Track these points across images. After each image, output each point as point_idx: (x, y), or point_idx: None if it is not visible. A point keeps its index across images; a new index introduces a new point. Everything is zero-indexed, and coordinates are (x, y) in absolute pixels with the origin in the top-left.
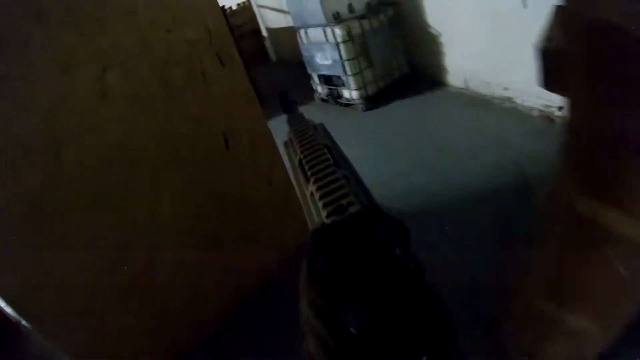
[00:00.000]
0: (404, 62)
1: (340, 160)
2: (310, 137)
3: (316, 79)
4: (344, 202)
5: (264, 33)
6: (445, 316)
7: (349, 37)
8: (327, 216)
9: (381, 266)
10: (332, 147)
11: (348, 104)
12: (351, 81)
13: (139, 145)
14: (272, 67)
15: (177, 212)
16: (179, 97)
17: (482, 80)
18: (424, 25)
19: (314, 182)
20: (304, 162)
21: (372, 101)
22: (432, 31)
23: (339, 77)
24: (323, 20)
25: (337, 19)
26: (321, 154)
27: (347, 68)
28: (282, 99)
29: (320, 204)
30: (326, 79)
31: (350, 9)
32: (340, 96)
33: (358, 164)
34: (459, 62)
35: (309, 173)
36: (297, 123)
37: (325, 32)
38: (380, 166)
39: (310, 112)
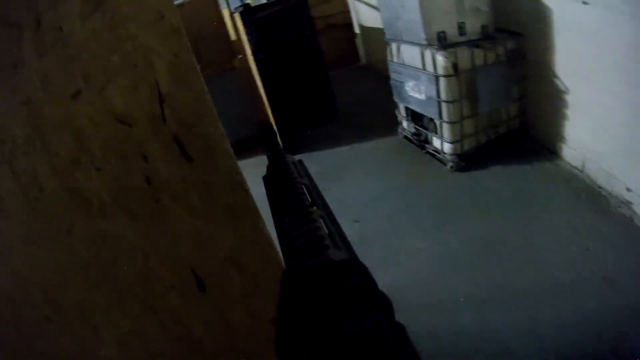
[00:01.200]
0: (515, 115)
1: (317, 200)
2: (289, 175)
3: (402, 111)
4: (318, 244)
5: (357, 30)
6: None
7: (454, 71)
8: (301, 257)
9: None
10: (310, 186)
11: (435, 155)
12: (446, 130)
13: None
14: (358, 72)
15: None
16: (103, 219)
17: (604, 168)
18: (549, 73)
19: (290, 221)
20: (281, 199)
21: (467, 160)
22: (558, 84)
23: (431, 120)
24: (422, 39)
25: (442, 41)
26: (299, 193)
27: (445, 112)
28: (263, 130)
29: (296, 242)
30: (415, 115)
31: (461, 30)
32: (428, 141)
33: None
34: (581, 134)
35: (287, 210)
36: (277, 159)
37: (423, 56)
38: (443, 276)
39: (386, 151)
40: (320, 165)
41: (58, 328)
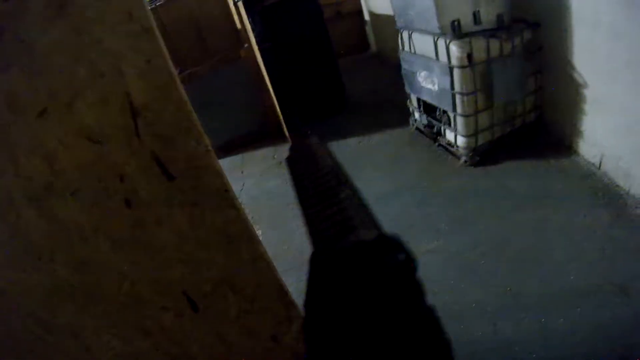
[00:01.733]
0: (531, 108)
1: (343, 180)
2: (314, 157)
3: (414, 102)
4: (348, 224)
5: (367, 17)
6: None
7: (469, 62)
8: (330, 239)
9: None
10: (335, 167)
11: (448, 148)
12: (460, 124)
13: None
14: (368, 61)
15: None
16: (83, 246)
17: (622, 167)
18: (567, 66)
19: (317, 202)
20: (307, 180)
21: (481, 154)
22: (577, 77)
23: (444, 112)
24: (436, 28)
25: (456, 30)
26: (323, 174)
27: (459, 104)
28: (285, 113)
29: (324, 224)
30: (427, 107)
31: (476, 19)
32: (440, 134)
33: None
34: (599, 131)
35: (312, 192)
36: (301, 141)
37: (436, 46)
38: (453, 280)
39: (397, 144)
40: (331, 157)
41: (51, 348)
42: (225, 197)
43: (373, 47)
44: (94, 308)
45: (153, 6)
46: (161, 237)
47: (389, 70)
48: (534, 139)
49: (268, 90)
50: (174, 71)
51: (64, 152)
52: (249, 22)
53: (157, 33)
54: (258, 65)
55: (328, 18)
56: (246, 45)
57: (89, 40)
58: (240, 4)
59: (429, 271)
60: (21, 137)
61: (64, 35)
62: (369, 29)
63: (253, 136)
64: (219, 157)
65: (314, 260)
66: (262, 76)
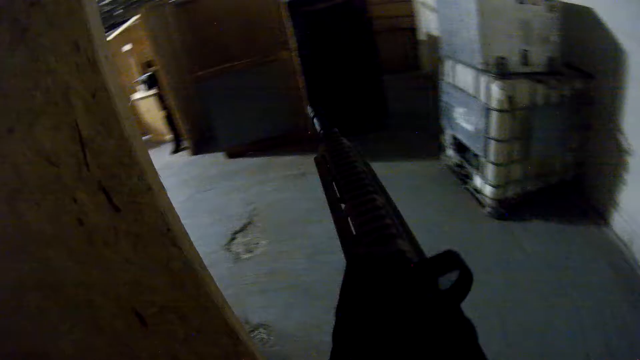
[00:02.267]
0: (570, 166)
1: (377, 186)
2: (347, 158)
3: (448, 137)
4: (385, 232)
5: (423, 37)
6: None
7: (510, 105)
8: (365, 246)
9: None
10: (369, 172)
11: (475, 194)
12: (490, 172)
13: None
14: (417, 81)
15: None
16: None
17: None
18: (614, 128)
19: (352, 207)
20: (338, 182)
21: (508, 207)
22: (622, 141)
23: (475, 155)
24: (479, 62)
25: (500, 68)
26: (359, 178)
27: (492, 151)
28: (315, 111)
29: (357, 230)
30: (460, 145)
31: (525, 58)
32: (469, 177)
33: None
34: (636, 206)
35: (345, 196)
36: (333, 140)
37: (477, 82)
38: None
39: (424, 177)
40: None
41: (20, 328)
42: (167, 235)
43: (424, 67)
44: (57, 298)
45: None
46: (109, 257)
47: (437, 95)
48: (567, 199)
49: (302, 96)
50: (120, 106)
51: (28, 167)
52: (291, 26)
53: (105, 65)
54: (295, 70)
55: (380, 31)
56: (285, 48)
57: (44, 68)
58: (283, 6)
59: None
60: None
61: (24, 61)
62: (422, 48)
63: (283, 140)
64: (247, 155)
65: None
66: (298, 81)
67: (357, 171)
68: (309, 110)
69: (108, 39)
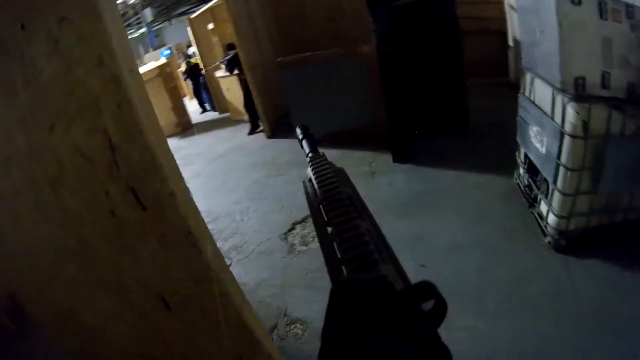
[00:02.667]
0: (637, 203)
1: (362, 211)
2: (332, 182)
3: (522, 155)
4: (368, 259)
5: (510, 42)
6: None
7: (584, 132)
8: (349, 271)
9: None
10: (354, 196)
11: (539, 220)
12: (556, 200)
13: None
14: (503, 88)
15: None
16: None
17: None
18: None
19: (337, 233)
20: (324, 207)
21: (568, 239)
22: None
23: (545, 180)
24: (557, 80)
25: (579, 88)
26: (343, 203)
27: (561, 178)
28: (302, 130)
29: (342, 255)
30: (531, 166)
31: (604, 80)
32: (536, 200)
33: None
34: None
35: (330, 221)
36: (319, 164)
37: (553, 101)
38: None
39: (492, 194)
40: (422, 184)
41: (59, 291)
42: (188, 238)
43: (512, 74)
44: (90, 272)
45: None
46: (138, 248)
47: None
48: (631, 239)
49: (381, 94)
50: (144, 117)
51: (67, 159)
52: (371, 21)
53: (126, 81)
54: (375, 67)
55: (468, 32)
56: (368, 44)
57: (76, 77)
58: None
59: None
60: (37, 142)
61: (60, 69)
62: (511, 54)
63: (357, 134)
64: (323, 147)
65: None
66: (378, 79)
67: (342, 197)
68: (298, 131)
69: (195, 14)
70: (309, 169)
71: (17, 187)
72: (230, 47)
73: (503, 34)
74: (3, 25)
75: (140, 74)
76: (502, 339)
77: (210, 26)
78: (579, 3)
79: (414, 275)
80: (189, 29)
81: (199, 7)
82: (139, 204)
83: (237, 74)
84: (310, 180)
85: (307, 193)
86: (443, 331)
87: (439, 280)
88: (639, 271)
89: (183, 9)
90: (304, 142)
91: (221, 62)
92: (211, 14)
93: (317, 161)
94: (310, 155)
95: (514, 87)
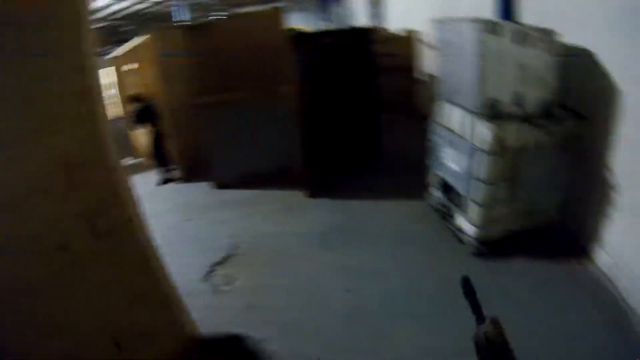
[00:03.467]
0: (557, 205)
1: None
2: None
3: (433, 176)
4: None
5: (421, 77)
6: None
7: (500, 149)
8: None
9: None
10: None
11: (457, 234)
12: (474, 212)
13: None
14: (411, 121)
15: None
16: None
17: (635, 285)
18: (602, 165)
19: None
20: None
21: (491, 246)
22: (609, 178)
23: (460, 195)
24: (473, 103)
25: (492, 109)
26: None
27: (477, 192)
28: (465, 287)
29: None
30: (444, 185)
31: (518, 100)
32: (451, 216)
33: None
34: (620, 242)
35: None
36: (499, 329)
37: (467, 123)
38: None
39: (408, 216)
40: (340, 216)
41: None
42: (147, 266)
43: (420, 108)
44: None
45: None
46: (88, 277)
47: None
48: (552, 237)
49: (298, 133)
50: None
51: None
52: (294, 59)
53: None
54: (294, 106)
55: (380, 69)
56: (288, 81)
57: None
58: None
59: None
60: None
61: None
62: (420, 88)
63: (274, 176)
64: (235, 188)
65: None
66: (296, 119)
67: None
68: (462, 289)
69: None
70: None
71: None
72: (135, 99)
73: (411, 69)
74: None
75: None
76: (442, 339)
77: (130, 67)
78: (497, 34)
79: (342, 298)
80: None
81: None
82: (91, 233)
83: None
84: (486, 339)
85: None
86: (391, 344)
87: (369, 302)
88: (561, 261)
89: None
90: (469, 301)
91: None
92: (135, 53)
93: (497, 325)
94: (484, 316)
95: (421, 120)
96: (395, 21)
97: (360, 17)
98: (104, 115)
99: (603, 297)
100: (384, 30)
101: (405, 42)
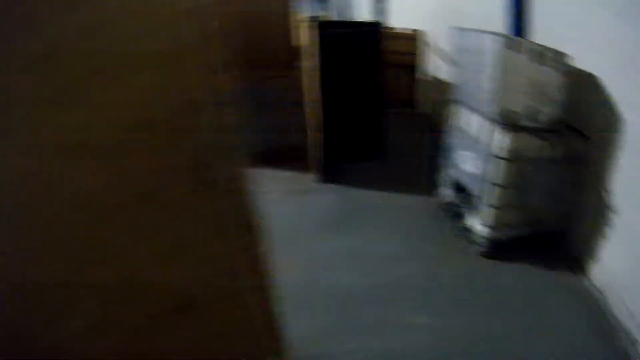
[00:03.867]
0: (559, 217)
1: None
2: None
3: (447, 176)
4: None
5: (425, 76)
6: None
7: (514, 155)
8: None
9: None
10: None
11: (466, 232)
12: (485, 213)
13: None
14: (412, 118)
15: None
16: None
17: (626, 303)
18: (602, 186)
19: None
20: None
21: (499, 247)
22: (607, 199)
23: (472, 196)
24: (490, 112)
25: (510, 119)
26: None
27: (491, 194)
28: None
29: None
30: (457, 185)
31: (532, 115)
32: (463, 216)
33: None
34: (614, 260)
35: None
36: None
37: (486, 130)
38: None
39: (418, 212)
40: (349, 204)
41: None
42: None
43: (422, 106)
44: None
45: None
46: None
47: (434, 135)
48: (551, 247)
49: (307, 116)
50: None
51: None
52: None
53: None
54: (304, 89)
55: (390, 65)
56: (297, 65)
57: None
58: (307, 24)
59: (407, 341)
60: None
61: None
62: (422, 87)
63: (284, 155)
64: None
65: None
66: (305, 101)
67: None
68: None
69: None
70: None
71: None
72: None
73: (412, 68)
74: None
75: None
76: (447, 328)
77: None
78: (516, 50)
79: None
80: None
81: None
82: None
83: None
84: None
85: None
86: (394, 326)
87: (379, 287)
88: (559, 270)
89: None
90: None
91: None
92: None
93: None
94: None
95: (425, 118)
96: (399, 18)
97: (361, 12)
98: None
99: (595, 310)
100: (389, 26)
101: (410, 40)
